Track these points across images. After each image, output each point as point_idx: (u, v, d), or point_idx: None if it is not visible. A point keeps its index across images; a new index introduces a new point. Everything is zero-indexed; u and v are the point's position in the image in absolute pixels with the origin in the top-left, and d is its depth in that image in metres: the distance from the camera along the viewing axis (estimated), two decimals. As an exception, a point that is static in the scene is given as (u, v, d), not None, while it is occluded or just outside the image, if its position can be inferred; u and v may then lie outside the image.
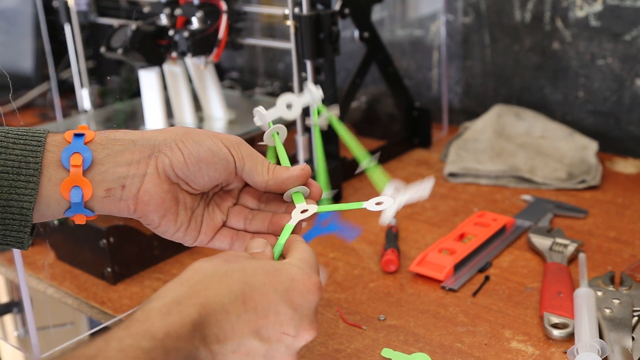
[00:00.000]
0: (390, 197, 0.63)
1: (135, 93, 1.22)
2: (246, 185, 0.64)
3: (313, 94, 0.69)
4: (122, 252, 0.86)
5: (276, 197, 0.64)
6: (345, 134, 0.69)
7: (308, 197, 0.62)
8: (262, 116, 0.64)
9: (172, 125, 1.14)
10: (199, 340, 0.49)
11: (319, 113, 0.70)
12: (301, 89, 1.00)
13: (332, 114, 0.69)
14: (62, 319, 0.97)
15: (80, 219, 0.59)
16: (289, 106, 0.67)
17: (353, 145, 0.68)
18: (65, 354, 0.45)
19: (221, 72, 1.52)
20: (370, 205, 0.62)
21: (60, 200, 0.57)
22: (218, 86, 1.17)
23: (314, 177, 0.65)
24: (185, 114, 1.15)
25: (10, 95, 0.82)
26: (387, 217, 0.62)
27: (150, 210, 0.59)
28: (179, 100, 1.15)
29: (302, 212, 0.61)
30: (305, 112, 0.89)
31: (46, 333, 0.89)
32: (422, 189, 0.63)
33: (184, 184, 0.60)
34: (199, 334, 0.49)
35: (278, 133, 0.64)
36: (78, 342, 0.84)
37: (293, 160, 0.99)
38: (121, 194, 0.59)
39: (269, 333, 0.52)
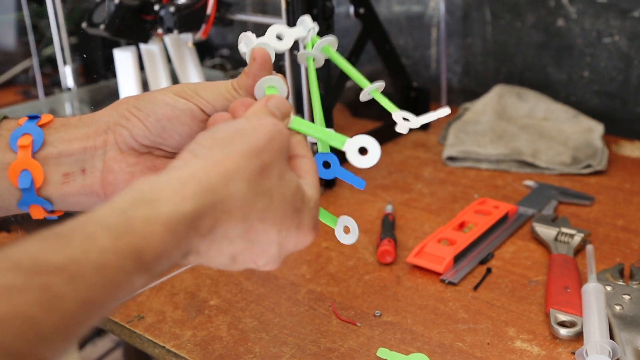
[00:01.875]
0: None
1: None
2: None
3: (307, 25, 0.59)
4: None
5: None
6: (344, 64, 0.60)
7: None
8: (250, 41, 0.56)
9: None
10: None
11: (312, 46, 0.60)
12: (294, 69, 0.95)
13: (327, 43, 0.59)
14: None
15: (36, 212, 0.52)
16: (279, 37, 0.58)
17: (353, 73, 0.61)
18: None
19: (211, 50, 1.47)
20: (397, 117, 0.57)
21: (10, 189, 0.51)
22: (199, 66, 1.11)
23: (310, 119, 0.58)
24: (166, 95, 1.10)
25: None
26: (405, 128, 0.57)
27: (121, 190, 0.51)
28: (156, 81, 1.09)
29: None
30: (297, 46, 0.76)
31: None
32: (437, 114, 0.57)
33: (156, 150, 0.53)
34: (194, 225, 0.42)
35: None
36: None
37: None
38: (83, 178, 0.52)
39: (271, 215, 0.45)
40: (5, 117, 0.53)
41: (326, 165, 0.57)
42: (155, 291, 0.78)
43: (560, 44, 1.17)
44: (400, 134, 1.18)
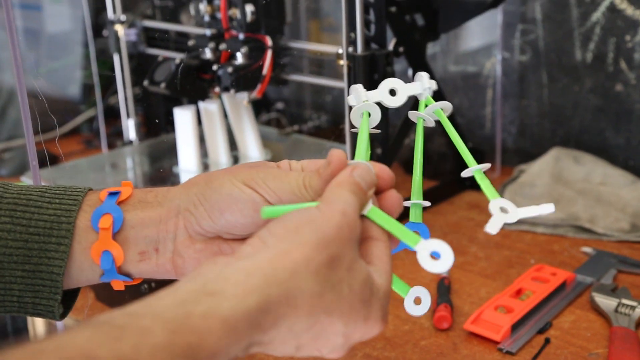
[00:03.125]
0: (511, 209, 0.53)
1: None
2: None
3: (424, 82, 0.57)
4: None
5: None
6: (453, 133, 0.58)
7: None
8: (358, 94, 0.54)
9: (206, 165, 1.12)
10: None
11: (425, 106, 0.58)
12: (352, 127, 0.97)
13: (440, 107, 0.58)
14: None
15: (117, 285, 0.55)
16: (392, 92, 0.56)
17: (461, 146, 0.58)
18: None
19: (267, 104, 1.50)
20: (494, 207, 0.54)
21: (93, 266, 0.54)
22: (255, 125, 1.14)
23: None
24: (220, 153, 1.12)
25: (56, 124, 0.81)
26: (495, 227, 0.53)
27: (188, 272, 0.54)
28: (213, 138, 1.12)
29: None
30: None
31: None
32: (541, 209, 0.52)
33: (224, 234, 0.54)
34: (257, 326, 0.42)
35: (369, 114, 0.55)
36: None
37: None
38: (157, 257, 0.54)
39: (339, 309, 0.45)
40: (90, 190, 0.55)
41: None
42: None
43: (618, 109, 1.17)
44: (455, 193, 1.19)
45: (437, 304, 0.83)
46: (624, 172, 1.11)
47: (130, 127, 1.28)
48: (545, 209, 0.51)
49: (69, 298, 0.56)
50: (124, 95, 1.29)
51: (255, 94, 1.05)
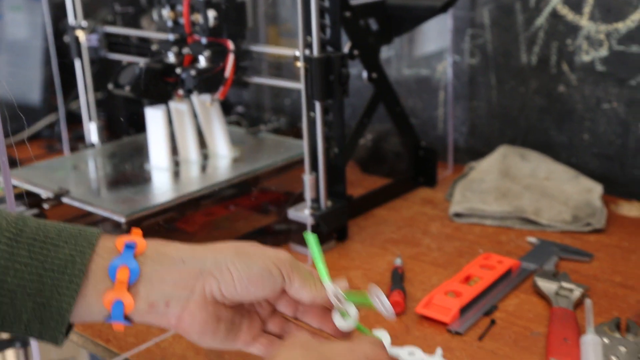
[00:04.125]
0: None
1: (142, 127, 1.23)
2: (284, 294, 0.65)
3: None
4: (128, 289, 0.86)
5: (312, 309, 0.65)
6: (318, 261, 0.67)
7: None
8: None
9: (176, 162, 1.15)
10: None
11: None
12: (310, 129, 1.00)
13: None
14: (64, 354, 0.97)
15: (118, 328, 0.60)
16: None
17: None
18: None
19: (228, 107, 1.54)
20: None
21: (101, 309, 0.58)
22: (223, 124, 1.18)
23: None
24: (190, 151, 1.16)
25: (25, 126, 0.83)
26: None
27: (191, 331, 0.60)
28: (184, 137, 1.16)
29: None
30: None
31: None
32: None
33: (228, 301, 0.61)
34: None
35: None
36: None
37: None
38: (164, 311, 0.59)
39: None
40: (101, 232, 0.59)
41: None
42: (177, 337, 0.83)
43: (561, 109, 1.23)
44: (409, 190, 1.24)
45: (391, 290, 0.88)
46: (566, 167, 1.18)
47: (92, 131, 1.31)
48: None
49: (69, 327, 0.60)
50: (85, 100, 1.31)
51: (218, 95, 1.09)
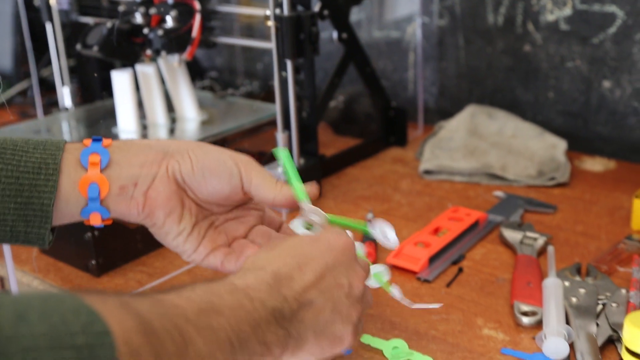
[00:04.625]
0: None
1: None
2: (261, 224, 0.69)
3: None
4: (106, 245, 0.88)
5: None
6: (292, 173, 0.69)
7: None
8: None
9: (144, 126, 1.16)
10: (280, 298, 0.55)
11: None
12: (282, 88, 1.02)
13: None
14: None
15: (95, 219, 0.62)
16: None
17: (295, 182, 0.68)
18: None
19: (201, 72, 1.55)
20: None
21: (78, 198, 0.61)
22: (190, 87, 1.19)
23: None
24: (158, 114, 1.17)
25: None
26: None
27: (156, 205, 0.63)
28: (151, 100, 1.17)
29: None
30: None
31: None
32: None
33: (189, 191, 0.64)
34: (276, 293, 0.55)
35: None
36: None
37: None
38: (133, 192, 0.62)
39: (327, 286, 0.58)
40: (66, 142, 0.62)
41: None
42: (155, 289, 0.85)
43: (527, 68, 1.26)
44: (380, 149, 1.27)
45: (363, 242, 0.91)
46: (532, 125, 1.21)
47: (65, 95, 1.31)
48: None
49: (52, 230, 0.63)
50: (57, 64, 1.31)
51: (186, 56, 1.10)
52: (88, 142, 0.62)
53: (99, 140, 0.62)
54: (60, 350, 0.39)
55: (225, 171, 0.64)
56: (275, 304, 0.54)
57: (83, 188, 0.61)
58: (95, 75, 1.35)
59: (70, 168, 0.61)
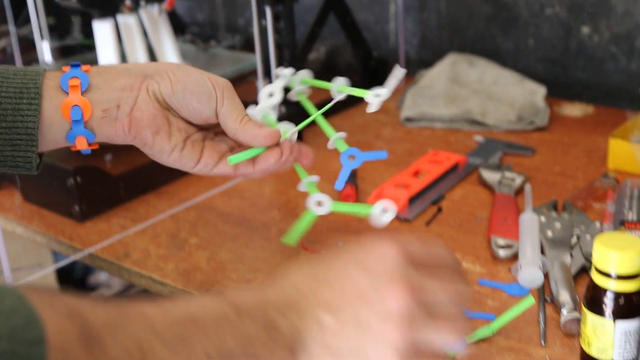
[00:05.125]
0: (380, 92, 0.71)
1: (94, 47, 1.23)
2: None
3: (285, 73, 0.74)
4: (89, 191, 0.89)
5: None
6: (312, 110, 0.74)
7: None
8: (254, 115, 0.70)
9: None
10: (276, 312, 0.47)
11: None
12: (262, 37, 1.03)
13: (300, 91, 0.76)
14: (30, 261, 1.00)
15: (81, 143, 0.62)
16: (270, 94, 0.73)
17: (321, 121, 0.74)
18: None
19: (182, 27, 1.54)
20: (369, 98, 0.71)
21: (62, 122, 0.61)
22: (172, 38, 1.19)
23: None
24: (142, 65, 1.17)
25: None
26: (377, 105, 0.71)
27: (143, 125, 0.63)
28: (133, 52, 1.16)
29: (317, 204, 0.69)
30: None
31: (17, 274, 0.92)
32: (396, 76, 0.70)
33: (172, 111, 0.65)
34: (273, 306, 0.47)
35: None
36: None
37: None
38: (116, 114, 0.62)
39: (350, 302, 0.47)
40: (44, 69, 0.62)
41: (351, 157, 0.73)
42: (139, 234, 0.86)
43: (507, 16, 1.27)
44: (361, 100, 1.27)
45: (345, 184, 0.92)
46: (513, 72, 1.22)
47: (45, 50, 1.30)
48: (398, 73, 0.72)
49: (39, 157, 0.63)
50: (37, 20, 1.30)
51: (165, 5, 1.10)
52: (67, 68, 0.62)
53: (77, 65, 0.63)
54: None
55: (205, 92, 0.64)
56: (266, 318, 0.46)
57: (65, 111, 0.61)
58: (74, 38, 1.34)
59: (51, 92, 0.61)
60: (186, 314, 0.44)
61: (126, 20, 1.14)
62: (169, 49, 1.18)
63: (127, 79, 0.63)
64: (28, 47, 1.40)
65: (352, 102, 1.25)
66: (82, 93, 0.61)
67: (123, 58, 1.16)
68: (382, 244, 0.49)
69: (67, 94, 0.61)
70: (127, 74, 0.63)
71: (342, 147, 0.69)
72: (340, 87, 0.72)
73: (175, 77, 0.64)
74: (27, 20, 1.33)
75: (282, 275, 0.50)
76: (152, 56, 1.19)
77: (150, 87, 0.63)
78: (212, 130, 0.68)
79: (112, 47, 1.13)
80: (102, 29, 1.13)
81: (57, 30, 1.41)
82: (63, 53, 1.41)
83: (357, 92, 0.71)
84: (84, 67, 0.63)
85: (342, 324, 0.47)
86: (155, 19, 1.15)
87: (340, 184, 0.68)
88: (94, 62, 1.18)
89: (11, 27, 1.34)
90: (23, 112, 0.60)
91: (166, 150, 0.64)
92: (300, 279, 0.49)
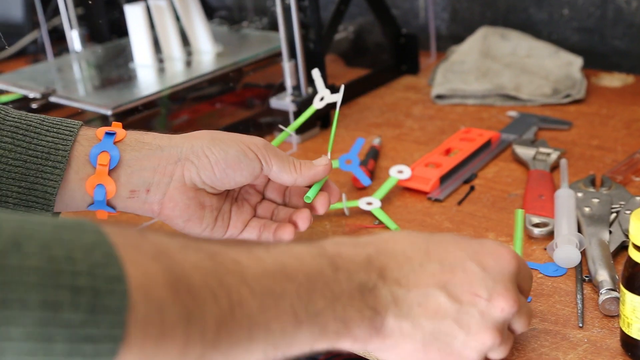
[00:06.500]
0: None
1: (125, 32, 1.23)
2: (269, 181, 0.67)
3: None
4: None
5: (299, 191, 0.68)
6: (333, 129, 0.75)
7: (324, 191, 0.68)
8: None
9: (160, 59, 1.15)
10: (376, 275, 0.47)
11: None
12: (286, 16, 1.01)
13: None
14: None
15: (102, 215, 0.61)
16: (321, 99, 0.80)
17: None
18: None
19: (210, 11, 1.53)
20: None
21: (84, 195, 0.60)
22: (204, 19, 1.18)
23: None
24: (173, 48, 1.16)
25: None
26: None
27: (174, 216, 0.62)
28: (165, 34, 1.16)
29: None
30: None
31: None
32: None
33: (209, 187, 0.63)
34: (375, 269, 0.47)
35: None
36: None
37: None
38: (145, 197, 0.61)
39: (457, 290, 0.48)
40: (82, 124, 0.61)
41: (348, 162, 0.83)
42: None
43: (540, -14, 1.22)
44: (392, 78, 1.25)
45: (366, 159, 0.90)
46: (547, 44, 1.18)
47: (74, 38, 1.30)
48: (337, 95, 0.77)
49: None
50: (65, 9, 1.30)
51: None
52: (101, 133, 0.60)
53: (112, 134, 0.60)
54: (52, 290, 0.33)
55: (248, 164, 0.62)
56: (364, 279, 0.46)
57: (90, 188, 0.59)
58: (103, 25, 1.35)
59: (79, 163, 0.59)
60: (280, 265, 0.44)
61: (157, 2, 1.14)
62: (201, 31, 1.17)
63: (160, 159, 0.61)
64: (59, 37, 1.41)
65: (382, 80, 1.23)
66: (111, 169, 0.59)
67: (155, 42, 1.15)
68: (500, 246, 0.52)
69: (95, 168, 0.59)
70: (160, 153, 0.61)
71: (312, 193, 0.68)
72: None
73: (215, 157, 0.61)
74: (58, 11, 1.34)
75: (391, 238, 0.50)
76: (185, 39, 1.18)
77: (187, 173, 0.61)
78: (239, 189, 0.67)
79: (144, 30, 1.12)
80: (133, 12, 1.12)
81: (86, 19, 1.42)
82: (92, 42, 1.41)
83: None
84: (119, 135, 0.60)
85: (444, 312, 0.48)
86: (186, 0, 1.14)
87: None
88: (125, 47, 1.17)
89: (41, 17, 1.35)
90: (46, 176, 0.58)
91: (196, 232, 0.63)
92: (411, 249, 0.49)
